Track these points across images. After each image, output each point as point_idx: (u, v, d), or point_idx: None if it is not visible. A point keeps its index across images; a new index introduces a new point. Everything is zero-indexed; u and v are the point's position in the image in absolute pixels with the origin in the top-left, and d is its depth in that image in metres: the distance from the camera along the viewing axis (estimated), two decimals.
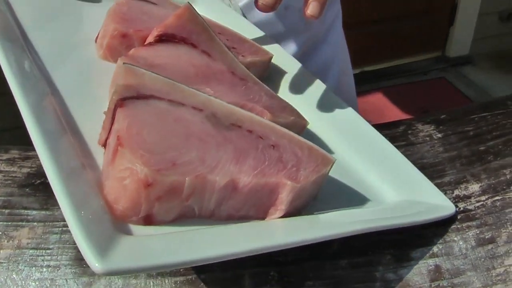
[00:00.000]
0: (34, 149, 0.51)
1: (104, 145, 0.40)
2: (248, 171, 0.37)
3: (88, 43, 0.53)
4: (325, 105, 0.53)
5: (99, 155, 0.40)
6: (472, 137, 0.50)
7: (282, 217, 0.39)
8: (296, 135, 0.42)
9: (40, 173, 0.48)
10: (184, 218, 0.37)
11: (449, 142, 0.50)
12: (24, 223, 0.44)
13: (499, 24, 2.64)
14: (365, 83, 2.43)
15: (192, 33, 0.48)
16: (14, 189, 0.47)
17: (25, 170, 0.49)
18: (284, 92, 0.54)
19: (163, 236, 0.34)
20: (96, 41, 0.53)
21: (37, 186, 0.47)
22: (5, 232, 0.43)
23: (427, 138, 0.51)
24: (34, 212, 0.45)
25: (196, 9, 0.59)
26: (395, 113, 2.38)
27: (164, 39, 0.46)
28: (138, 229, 0.35)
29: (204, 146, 0.37)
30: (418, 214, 0.42)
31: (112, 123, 0.38)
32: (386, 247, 0.43)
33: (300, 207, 0.41)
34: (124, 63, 0.41)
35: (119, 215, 0.35)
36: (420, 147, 0.50)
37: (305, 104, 0.52)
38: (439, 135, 0.51)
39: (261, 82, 0.49)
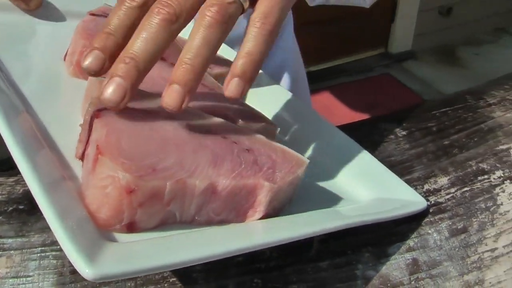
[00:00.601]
0: (0, 176, 0.51)
1: (81, 158, 0.40)
2: (226, 174, 0.38)
3: (56, 61, 0.52)
4: (290, 110, 0.54)
5: (77, 168, 0.40)
6: (435, 133, 0.52)
7: (260, 218, 0.40)
8: (268, 140, 0.43)
9: (11, 200, 0.48)
10: (166, 224, 0.37)
11: (414, 139, 0.51)
12: (1, 252, 0.43)
13: (439, 19, 2.73)
14: (311, 83, 2.47)
15: None
16: None
17: None
18: (250, 100, 0.55)
19: (149, 241, 0.35)
20: (64, 59, 0.52)
21: (10, 214, 0.46)
22: None
23: (392, 136, 0.52)
24: (10, 240, 0.44)
25: None
26: (343, 112, 2.43)
27: None
28: (122, 237, 0.35)
29: (181, 151, 0.38)
30: (391, 210, 0.44)
31: (89, 135, 0.39)
32: (363, 245, 0.44)
33: (278, 209, 0.42)
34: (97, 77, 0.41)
35: (102, 224, 0.35)
36: (386, 146, 0.52)
37: (271, 111, 0.53)
38: (404, 133, 0.53)
39: None
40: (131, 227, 0.35)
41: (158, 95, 0.42)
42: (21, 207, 0.47)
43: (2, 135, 0.37)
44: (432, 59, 2.73)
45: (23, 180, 0.49)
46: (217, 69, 0.53)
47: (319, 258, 0.43)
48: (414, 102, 2.42)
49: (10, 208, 0.47)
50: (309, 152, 0.50)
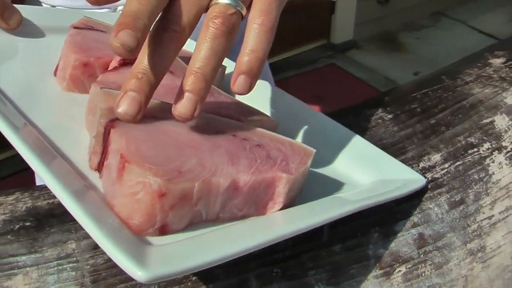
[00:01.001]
0: None
1: (97, 169, 0.41)
2: (245, 170, 0.39)
3: (46, 77, 0.52)
4: (277, 103, 0.56)
5: (94, 179, 0.40)
6: (420, 113, 0.54)
7: (280, 210, 0.41)
8: (274, 133, 0.44)
9: (15, 218, 0.47)
10: (193, 224, 0.38)
11: (401, 121, 0.54)
12: (16, 270, 0.43)
13: (378, 7, 2.80)
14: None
15: None
16: None
17: None
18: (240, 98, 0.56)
19: (188, 241, 0.36)
20: (55, 74, 0.52)
21: (18, 231, 0.46)
22: None
23: (380, 121, 0.54)
24: (24, 257, 0.44)
25: None
26: None
27: (127, 62, 0.47)
28: (156, 240, 0.36)
29: (199, 153, 0.39)
30: (395, 190, 0.45)
31: (104, 146, 0.39)
32: (371, 226, 0.46)
33: (293, 199, 0.43)
34: (101, 87, 0.41)
35: (135, 230, 0.36)
36: (376, 130, 0.54)
37: (260, 105, 0.55)
38: (390, 116, 0.55)
39: (223, 92, 0.50)
40: (163, 230, 0.36)
41: (163, 101, 0.43)
42: (27, 224, 0.47)
43: (17, 149, 0.37)
44: (374, 46, 2.80)
45: (24, 198, 0.49)
46: None
47: (331, 243, 0.45)
48: (362, 89, 2.48)
49: (17, 226, 0.46)
50: (303, 141, 0.52)
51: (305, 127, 0.53)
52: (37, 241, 0.45)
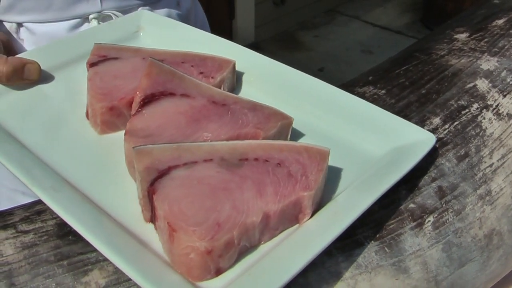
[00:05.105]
0: (39, 203, 0.51)
1: (151, 221, 0.46)
2: (272, 199, 0.44)
3: (79, 120, 0.56)
4: (288, 80, 0.61)
5: (149, 230, 0.46)
6: (409, 86, 0.61)
7: (311, 215, 0.46)
8: (289, 142, 0.49)
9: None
10: (242, 254, 0.44)
11: (395, 94, 0.60)
12: (90, 266, 0.45)
13: (275, 9, 2.91)
14: None
15: (165, 83, 0.53)
16: (57, 241, 0.46)
17: (51, 222, 0.48)
18: (255, 87, 0.60)
19: (254, 270, 0.41)
20: (87, 117, 0.56)
21: (77, 232, 0.47)
22: (77, 281, 0.44)
23: (376, 96, 0.61)
24: (94, 253, 0.45)
25: (145, 33, 0.63)
26: None
27: (147, 101, 0.52)
28: (216, 281, 0.42)
29: (230, 194, 0.44)
30: (414, 155, 0.50)
31: (152, 206, 0.44)
32: (398, 185, 0.52)
33: (320, 200, 0.48)
34: (133, 147, 0.45)
35: (197, 278, 0.41)
36: (376, 104, 0.60)
37: (274, 86, 0.60)
38: (383, 91, 0.61)
39: (238, 97, 0.54)
40: (219, 272, 0.42)
41: (185, 137, 0.48)
42: None
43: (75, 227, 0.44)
44: (275, 47, 2.90)
45: None
46: (219, 76, 0.57)
47: None
48: None
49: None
50: (316, 118, 0.56)
51: (314, 101, 0.57)
52: None
